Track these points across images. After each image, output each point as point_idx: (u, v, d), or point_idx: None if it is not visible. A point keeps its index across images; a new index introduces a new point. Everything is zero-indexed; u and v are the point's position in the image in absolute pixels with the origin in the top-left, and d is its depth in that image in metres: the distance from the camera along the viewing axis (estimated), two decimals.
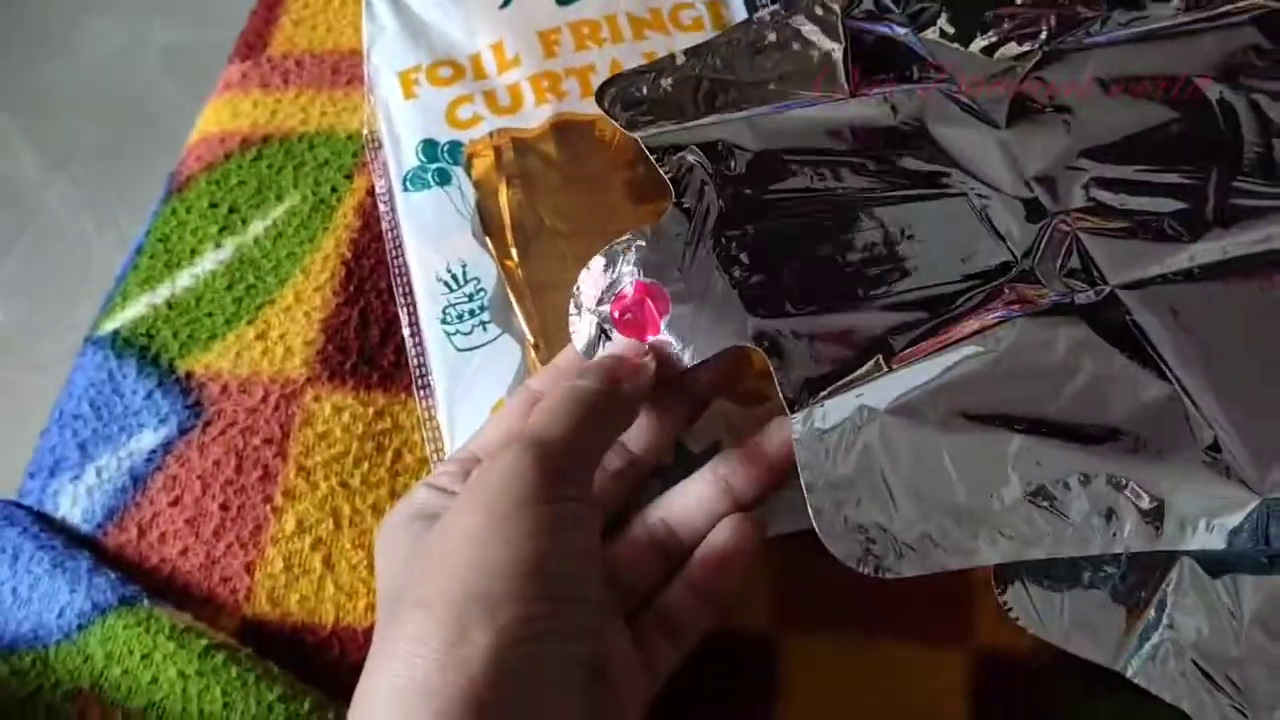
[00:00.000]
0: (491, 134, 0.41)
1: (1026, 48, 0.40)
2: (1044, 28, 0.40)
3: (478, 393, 0.37)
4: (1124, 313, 0.33)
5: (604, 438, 0.30)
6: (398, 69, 0.43)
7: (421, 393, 0.38)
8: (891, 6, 0.41)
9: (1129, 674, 0.29)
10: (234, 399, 0.40)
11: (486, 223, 0.40)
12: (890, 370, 0.32)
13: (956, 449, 0.30)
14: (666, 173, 0.35)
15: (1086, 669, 0.29)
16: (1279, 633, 0.29)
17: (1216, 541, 0.29)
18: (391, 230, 0.41)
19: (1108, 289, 0.34)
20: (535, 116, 0.42)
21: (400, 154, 0.42)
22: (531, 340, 0.38)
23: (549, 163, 0.40)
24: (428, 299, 0.39)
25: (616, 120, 0.37)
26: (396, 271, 0.40)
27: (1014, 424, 0.31)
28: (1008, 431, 0.31)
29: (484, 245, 0.40)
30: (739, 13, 0.45)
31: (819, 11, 0.41)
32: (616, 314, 0.33)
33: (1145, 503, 0.30)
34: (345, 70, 0.47)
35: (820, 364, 0.32)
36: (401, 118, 0.42)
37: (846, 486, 0.30)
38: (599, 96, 0.37)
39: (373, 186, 0.42)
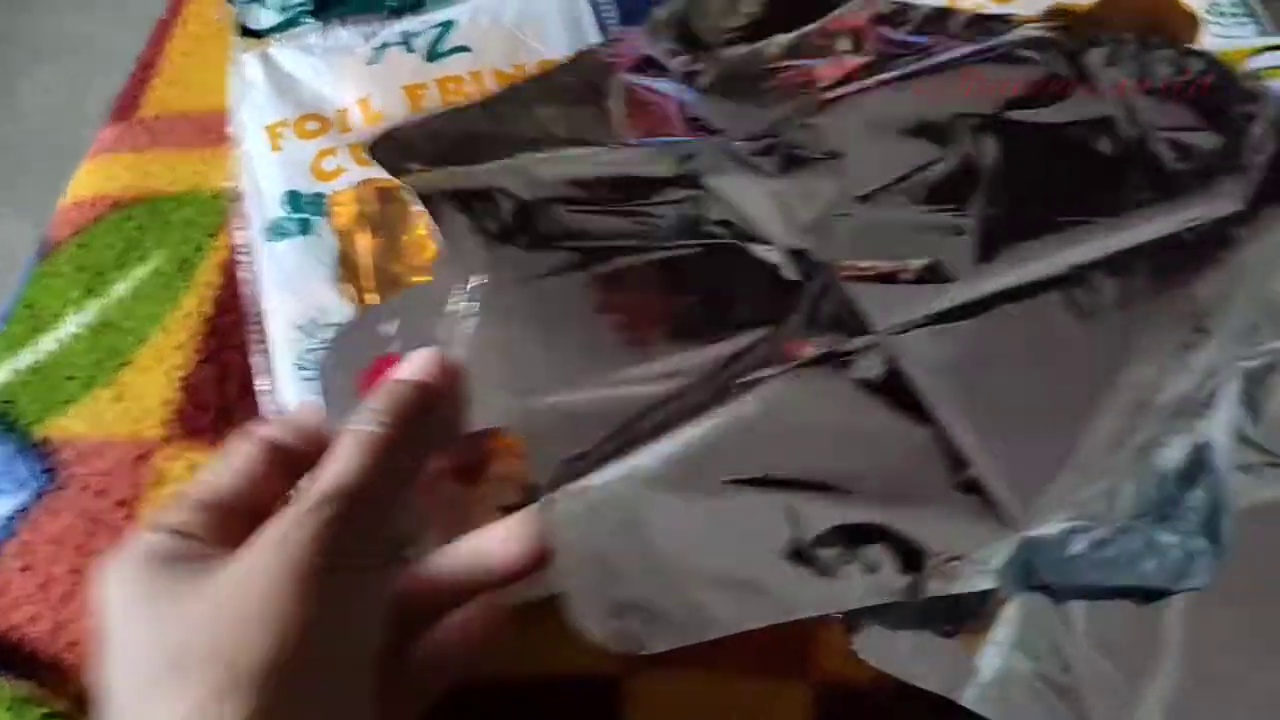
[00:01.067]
0: (357, 185, 0.41)
1: (800, 97, 0.41)
2: (817, 78, 0.41)
3: None
4: (888, 359, 0.33)
5: (398, 486, 0.28)
6: (264, 123, 0.43)
7: None
8: (665, 64, 0.42)
9: (968, 703, 0.28)
10: (88, 463, 0.39)
11: (348, 270, 0.40)
12: (648, 441, 0.31)
13: (717, 515, 0.30)
14: (434, 219, 0.35)
15: (931, 699, 0.28)
16: (1114, 651, 0.29)
17: (985, 582, 0.29)
18: (252, 282, 0.40)
19: (873, 337, 0.34)
20: None
21: (264, 205, 0.41)
22: None
23: (409, 209, 0.40)
24: (285, 347, 0.38)
25: (384, 165, 0.37)
26: (255, 323, 0.40)
27: (775, 484, 0.31)
28: (769, 492, 0.31)
29: (343, 293, 0.39)
30: None
31: (603, 60, 0.42)
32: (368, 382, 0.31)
33: (905, 550, 0.30)
34: (214, 129, 0.46)
35: (577, 440, 0.31)
36: (266, 170, 0.42)
37: (603, 564, 0.29)
38: (373, 146, 0.38)
39: (235, 244, 0.42)
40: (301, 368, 0.38)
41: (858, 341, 0.34)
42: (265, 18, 0.47)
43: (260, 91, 0.44)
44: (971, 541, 0.30)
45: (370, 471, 0.26)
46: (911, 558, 0.29)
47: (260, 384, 0.39)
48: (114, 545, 0.36)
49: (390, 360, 0.31)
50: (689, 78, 0.41)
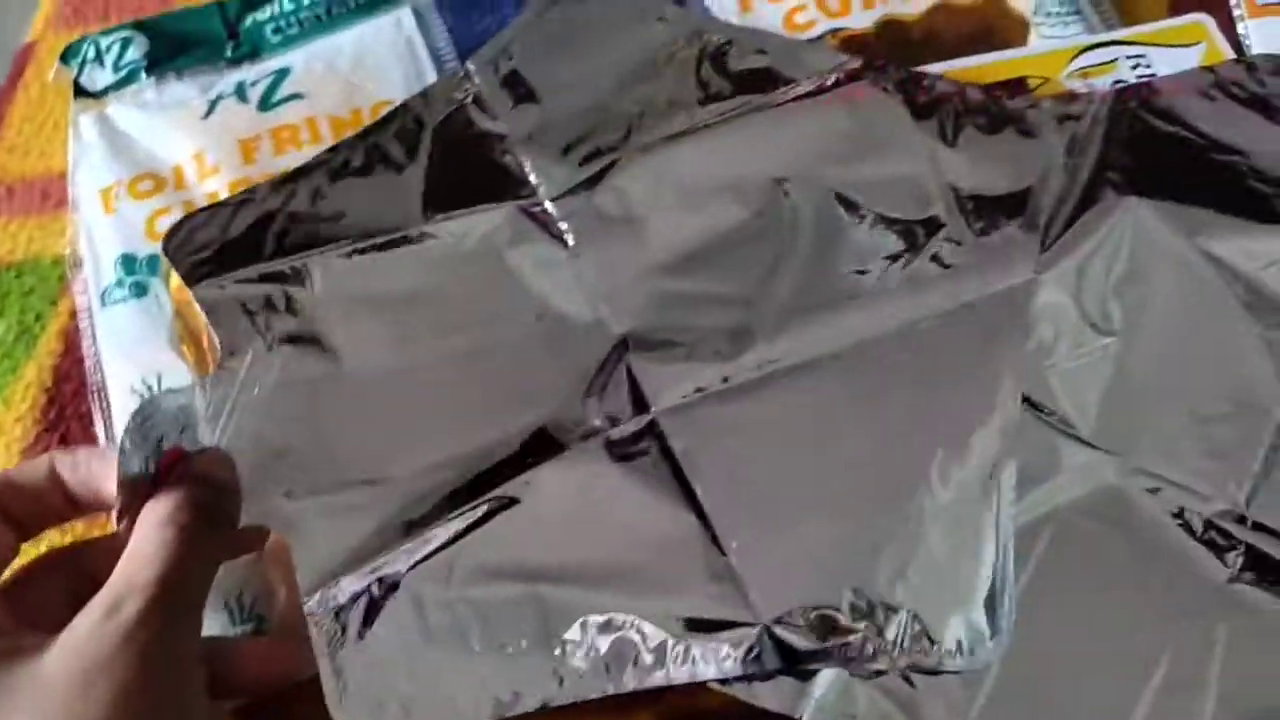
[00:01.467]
0: None
1: (613, 150, 0.41)
2: (629, 126, 0.41)
3: None
4: (659, 441, 0.33)
5: (206, 574, 0.29)
6: (100, 186, 0.43)
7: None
8: (494, 107, 0.42)
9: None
10: None
11: (185, 330, 0.40)
12: (412, 536, 0.32)
13: (473, 607, 0.31)
14: (215, 329, 0.35)
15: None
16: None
17: (734, 669, 0.29)
18: (91, 348, 0.40)
19: (650, 416, 0.34)
20: None
21: (100, 270, 0.41)
22: None
23: None
24: (123, 413, 0.38)
25: (178, 269, 0.37)
26: (94, 389, 0.40)
27: (529, 575, 0.31)
28: (523, 583, 0.31)
29: (180, 355, 0.39)
30: None
31: (411, 123, 0.42)
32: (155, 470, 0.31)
33: (652, 641, 0.30)
34: (54, 194, 0.46)
35: (341, 541, 0.32)
36: (102, 234, 0.42)
37: (369, 664, 0.30)
38: (165, 242, 0.38)
39: (75, 309, 0.42)
40: None
41: (632, 423, 0.34)
42: (101, 77, 0.46)
43: (96, 153, 0.44)
44: (720, 631, 0.30)
45: (183, 559, 0.27)
46: (658, 649, 0.30)
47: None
48: None
49: (177, 453, 0.32)
50: (512, 122, 0.42)
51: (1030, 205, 0.38)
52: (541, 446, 0.34)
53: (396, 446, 0.34)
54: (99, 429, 0.39)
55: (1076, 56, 0.43)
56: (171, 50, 0.47)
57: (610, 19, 0.45)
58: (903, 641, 0.30)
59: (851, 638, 0.30)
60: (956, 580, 0.31)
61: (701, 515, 0.32)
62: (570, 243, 0.38)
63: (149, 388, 0.38)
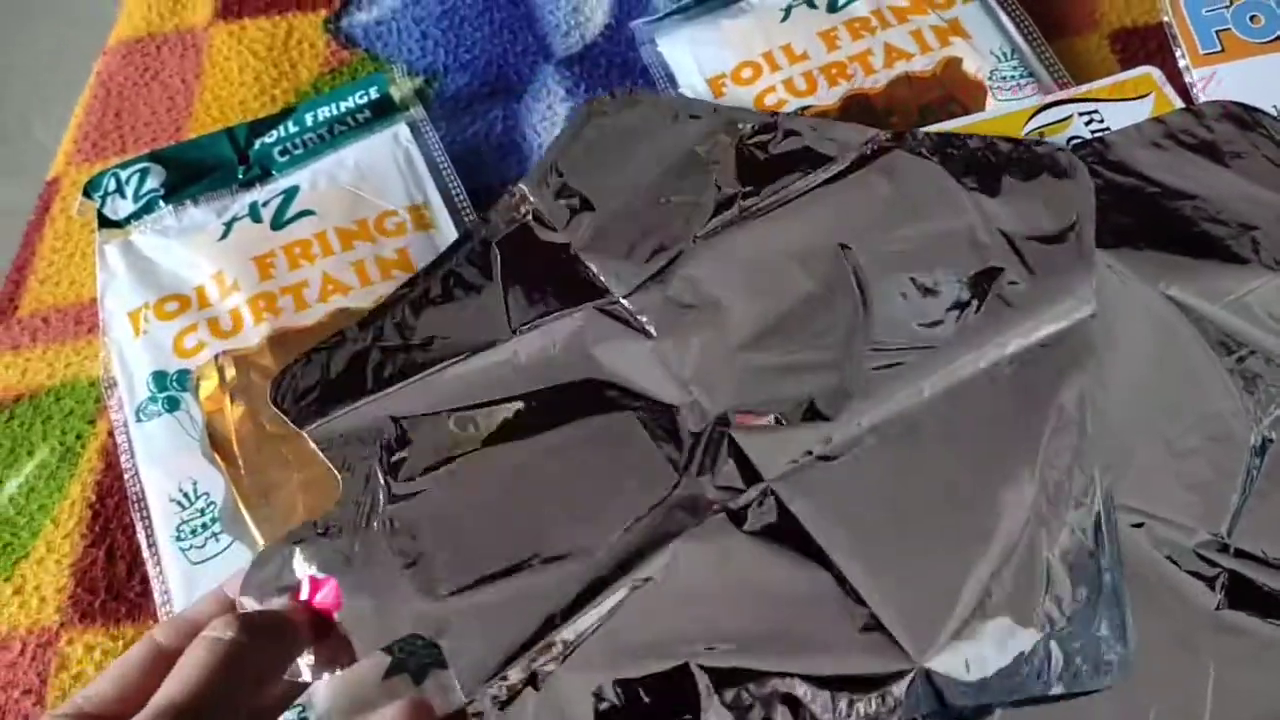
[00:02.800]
0: (216, 357, 0.44)
1: (675, 242, 0.42)
2: (686, 218, 0.43)
3: None
4: (779, 507, 0.35)
5: (243, 692, 0.30)
6: (128, 309, 0.46)
7: (165, 610, 0.39)
8: (553, 224, 0.44)
9: None
10: None
11: (214, 439, 0.42)
12: (560, 627, 0.33)
13: (625, 688, 0.32)
14: (334, 463, 0.37)
15: None
16: None
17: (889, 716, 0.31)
18: (129, 463, 0.43)
19: (764, 485, 0.35)
20: (255, 335, 0.44)
21: (133, 389, 0.44)
22: (262, 542, 0.39)
23: (267, 374, 0.42)
24: (163, 521, 0.41)
25: (288, 416, 0.39)
26: (135, 501, 0.42)
27: (679, 649, 0.33)
28: (674, 658, 0.33)
29: (213, 461, 0.41)
30: (440, 214, 0.48)
31: (478, 246, 0.44)
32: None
33: (814, 700, 0.32)
34: (86, 320, 0.49)
35: (493, 638, 0.33)
36: (133, 355, 0.45)
37: None
38: (273, 392, 0.40)
39: (113, 426, 0.44)
40: (179, 538, 0.40)
41: (752, 492, 0.35)
42: (122, 207, 0.49)
43: (122, 280, 0.47)
44: (875, 680, 0.32)
45: (214, 676, 0.29)
46: (823, 701, 0.32)
47: (147, 559, 0.41)
48: None
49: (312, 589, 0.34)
50: (572, 232, 0.43)
51: (1078, 238, 0.40)
52: (668, 526, 0.35)
53: (529, 541, 0.35)
54: (140, 537, 0.41)
55: (1033, 116, 0.46)
56: (187, 177, 0.50)
57: (646, 125, 0.47)
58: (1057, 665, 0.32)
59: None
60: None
61: (834, 571, 0.34)
62: (653, 332, 0.40)
63: (185, 496, 0.41)
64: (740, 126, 0.46)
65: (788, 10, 0.52)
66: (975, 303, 0.39)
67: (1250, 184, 0.41)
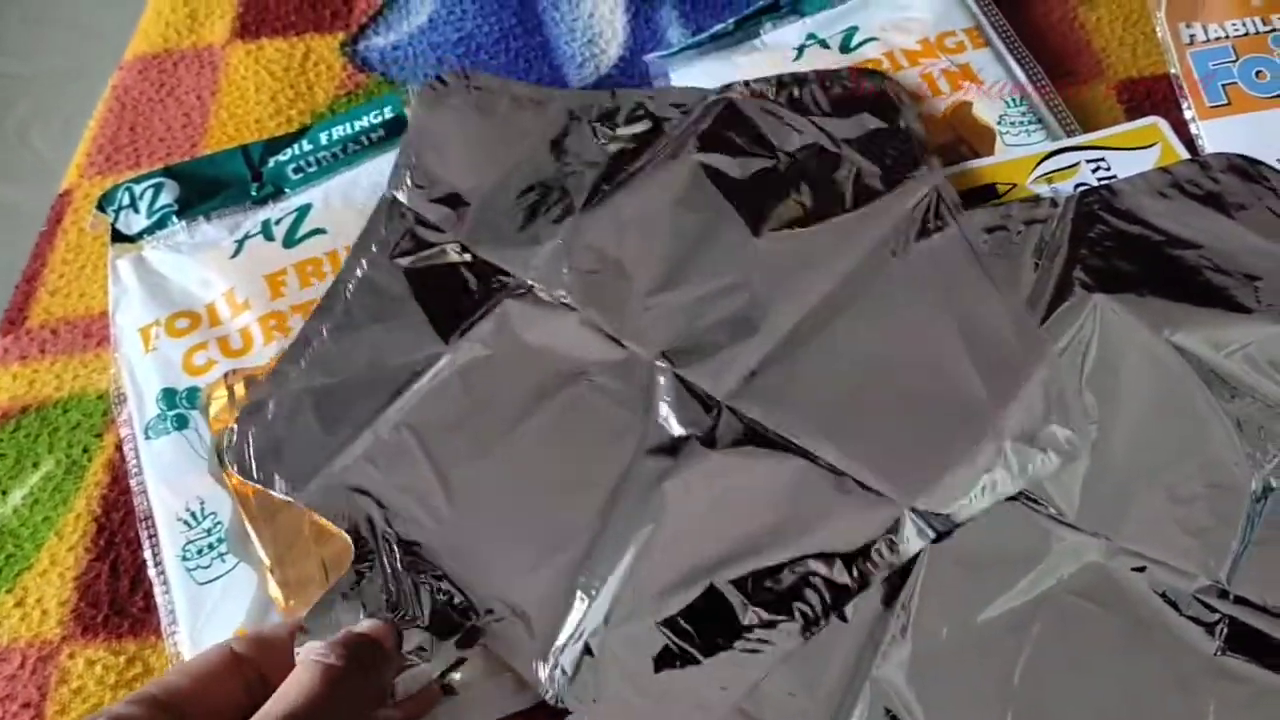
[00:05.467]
0: (226, 375, 0.44)
1: (562, 217, 0.45)
2: (563, 192, 0.46)
3: (219, 622, 0.39)
4: (739, 419, 0.39)
5: (342, 715, 0.31)
6: (138, 325, 0.46)
7: (170, 629, 0.39)
8: (438, 225, 0.46)
9: None
10: None
11: (222, 458, 0.42)
12: (593, 594, 0.36)
13: (671, 626, 0.35)
14: (335, 522, 0.38)
15: None
16: None
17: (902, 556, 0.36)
18: (137, 479, 0.43)
19: (720, 405, 0.39)
20: (265, 354, 0.45)
21: (142, 405, 0.44)
22: (268, 563, 0.39)
23: None
24: (169, 540, 0.41)
25: (271, 489, 0.39)
26: (142, 518, 0.42)
27: (701, 576, 0.35)
28: (701, 582, 0.35)
29: (220, 481, 0.41)
30: None
31: (374, 256, 0.45)
32: None
33: (828, 568, 0.35)
34: (96, 333, 0.49)
35: (537, 631, 0.36)
36: (142, 371, 0.45)
37: (613, 713, 0.34)
38: (231, 460, 0.40)
39: (120, 441, 0.44)
40: (185, 558, 0.40)
41: (712, 416, 0.39)
42: (135, 222, 0.50)
43: (134, 295, 0.47)
44: (873, 529, 0.36)
45: (319, 698, 0.29)
46: (851, 555, 0.35)
47: (153, 578, 0.41)
48: None
49: None
50: (457, 229, 0.46)
51: (906, 130, 0.47)
52: (652, 473, 0.38)
53: (537, 538, 0.37)
54: (147, 555, 0.41)
55: (1041, 162, 0.47)
56: (200, 193, 0.51)
57: (494, 109, 0.50)
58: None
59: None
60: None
61: (807, 455, 0.37)
62: (572, 305, 0.42)
63: (193, 515, 0.41)
64: (591, 108, 0.49)
65: (800, 50, 0.53)
66: (847, 198, 0.44)
67: (1254, 235, 0.42)
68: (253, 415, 0.41)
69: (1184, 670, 0.34)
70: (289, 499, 0.39)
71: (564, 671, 0.34)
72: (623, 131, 0.48)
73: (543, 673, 0.35)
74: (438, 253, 0.45)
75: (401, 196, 0.47)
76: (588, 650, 0.35)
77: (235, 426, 0.41)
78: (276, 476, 0.39)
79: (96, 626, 0.41)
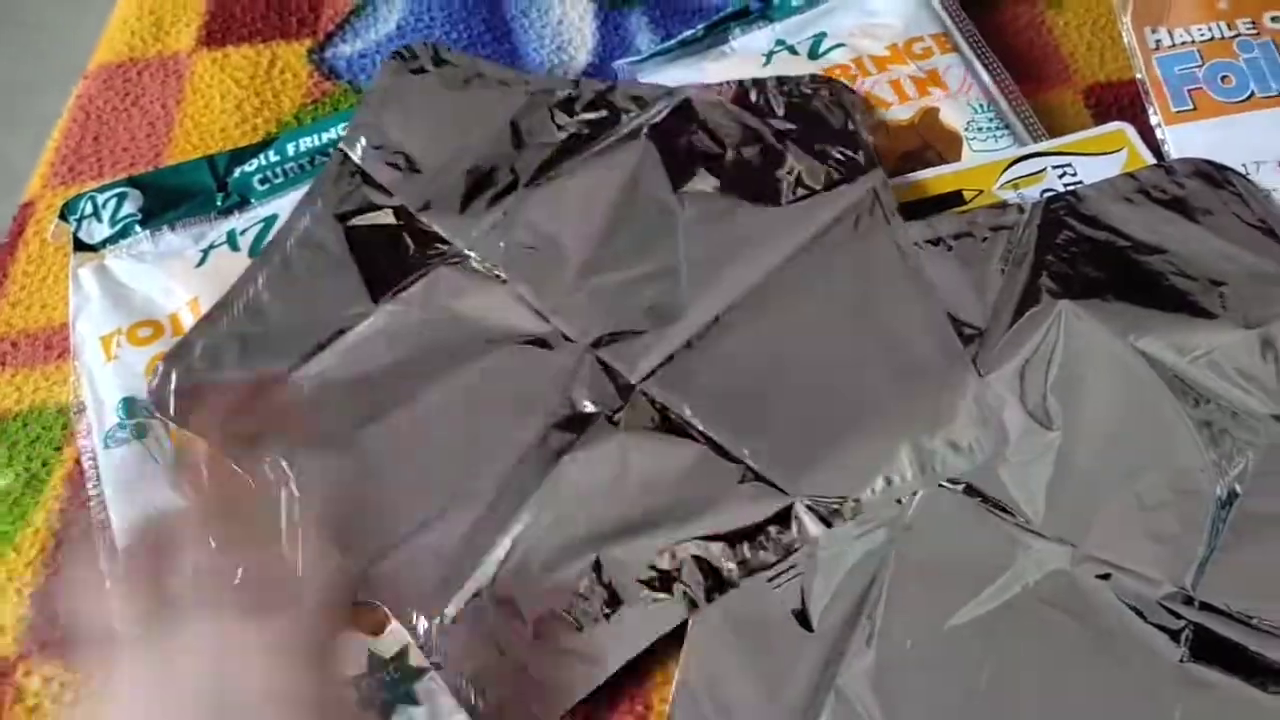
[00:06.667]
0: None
1: (507, 192, 0.46)
2: (511, 169, 0.47)
3: None
4: (650, 403, 0.40)
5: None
6: (100, 334, 0.46)
7: None
8: (386, 187, 0.47)
9: None
10: None
11: (185, 468, 0.42)
12: (485, 552, 0.37)
13: (560, 594, 0.36)
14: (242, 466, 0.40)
15: None
16: None
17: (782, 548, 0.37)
18: (95, 488, 0.42)
19: (634, 389, 0.40)
20: None
21: (102, 415, 0.44)
22: None
23: None
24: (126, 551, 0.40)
25: (185, 428, 0.41)
26: (100, 529, 0.41)
27: (588, 548, 0.37)
28: (585, 557, 0.37)
29: (181, 493, 0.41)
30: None
31: (318, 211, 0.46)
32: None
33: (711, 551, 0.37)
34: (56, 345, 0.48)
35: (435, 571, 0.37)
36: (103, 380, 0.44)
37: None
38: (154, 399, 0.42)
39: (80, 453, 0.44)
40: None
41: (623, 398, 0.40)
42: (98, 231, 0.49)
43: (95, 303, 0.47)
44: (762, 516, 0.37)
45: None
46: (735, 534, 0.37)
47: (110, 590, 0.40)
48: None
49: None
50: (406, 193, 0.47)
51: (853, 130, 0.48)
52: (556, 446, 0.39)
53: (438, 495, 0.39)
54: (103, 565, 0.40)
55: (1007, 169, 0.47)
56: (165, 203, 0.50)
57: (458, 84, 0.51)
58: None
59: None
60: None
61: (707, 440, 0.38)
62: (503, 276, 0.43)
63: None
64: (553, 93, 0.50)
65: (769, 56, 0.53)
66: (784, 193, 0.45)
67: (1219, 240, 0.42)
68: (178, 355, 0.42)
69: (1150, 677, 0.33)
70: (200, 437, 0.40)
71: (443, 626, 0.36)
72: (579, 118, 0.49)
73: (421, 626, 0.36)
74: (380, 214, 0.46)
75: (355, 154, 0.48)
76: (473, 610, 0.36)
77: (160, 365, 0.42)
78: (192, 417, 0.40)
79: (53, 643, 0.40)
